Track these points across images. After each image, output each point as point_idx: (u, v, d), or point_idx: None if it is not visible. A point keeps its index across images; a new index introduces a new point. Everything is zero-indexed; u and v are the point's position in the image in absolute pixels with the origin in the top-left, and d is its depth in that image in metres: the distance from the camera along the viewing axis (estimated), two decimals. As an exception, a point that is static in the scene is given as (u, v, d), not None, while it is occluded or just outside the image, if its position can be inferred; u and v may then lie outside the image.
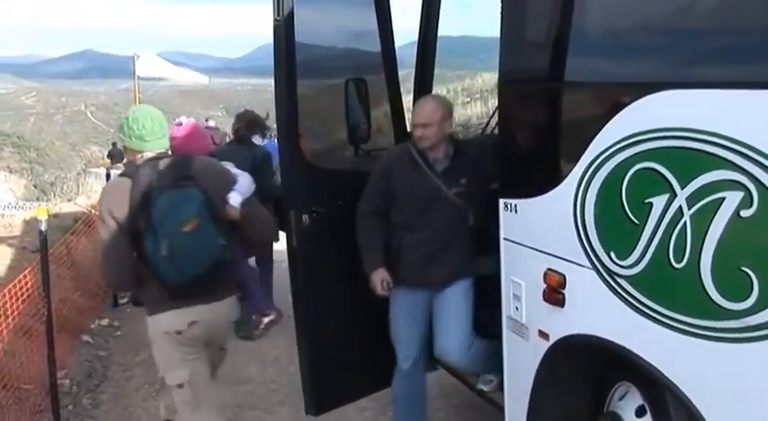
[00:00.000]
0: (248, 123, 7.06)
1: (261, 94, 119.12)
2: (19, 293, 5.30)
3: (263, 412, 5.55)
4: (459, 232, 4.32)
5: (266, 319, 4.32)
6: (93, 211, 10.31)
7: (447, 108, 4.30)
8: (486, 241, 4.18)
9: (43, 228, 5.05)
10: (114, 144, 31.23)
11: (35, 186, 52.17)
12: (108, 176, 9.14)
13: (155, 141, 3.79)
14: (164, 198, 3.53)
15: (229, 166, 4.07)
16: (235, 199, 3.76)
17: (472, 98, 18.91)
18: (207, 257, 3.58)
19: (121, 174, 3.81)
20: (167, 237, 3.49)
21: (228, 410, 5.54)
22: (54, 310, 5.21)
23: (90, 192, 16.59)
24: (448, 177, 4.25)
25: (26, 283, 5.39)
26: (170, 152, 3.87)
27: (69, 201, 14.23)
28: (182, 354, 3.79)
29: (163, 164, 3.71)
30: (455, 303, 4.39)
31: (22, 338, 5.70)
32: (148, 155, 3.77)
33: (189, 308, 3.71)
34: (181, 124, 5.03)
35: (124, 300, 8.50)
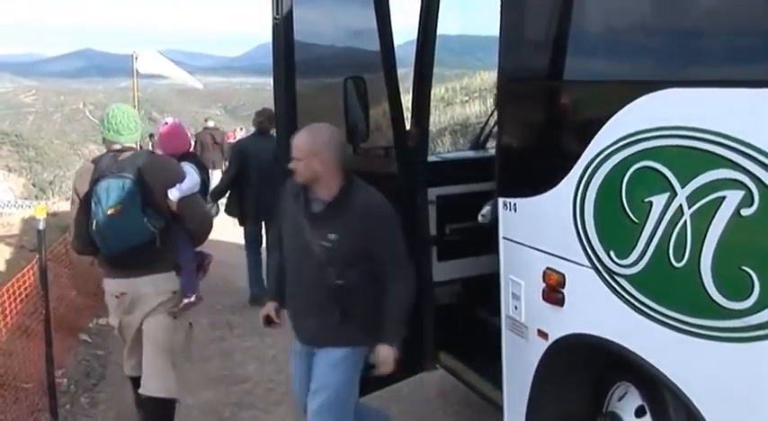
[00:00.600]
0: (268, 117, 7.87)
1: (259, 92, 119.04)
2: (17, 292, 5.29)
3: (260, 412, 5.54)
4: (323, 292, 3.69)
5: (185, 301, 4.53)
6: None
7: (321, 142, 3.63)
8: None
9: (41, 226, 5.03)
10: (113, 143, 31.19)
11: (34, 185, 52.22)
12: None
13: (128, 135, 4.50)
14: (102, 183, 4.25)
15: (188, 168, 4.63)
16: (173, 194, 4.35)
17: (471, 97, 18.89)
18: (131, 238, 4.26)
19: (91, 161, 4.60)
20: (95, 216, 4.26)
21: (226, 409, 5.55)
22: (52, 309, 5.19)
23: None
24: (317, 224, 3.68)
25: (25, 282, 5.38)
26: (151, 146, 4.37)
27: (68, 199, 14.19)
28: (116, 310, 4.63)
29: (121, 156, 4.39)
30: (319, 372, 3.83)
31: (20, 337, 5.69)
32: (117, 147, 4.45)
33: (120, 279, 4.47)
34: (167, 123, 5.51)
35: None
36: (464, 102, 18.64)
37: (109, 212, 4.21)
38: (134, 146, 4.58)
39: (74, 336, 6.90)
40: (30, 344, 5.71)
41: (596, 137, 3.09)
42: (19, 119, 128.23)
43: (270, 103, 8.51)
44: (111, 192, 4.21)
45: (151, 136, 23.76)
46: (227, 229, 8.53)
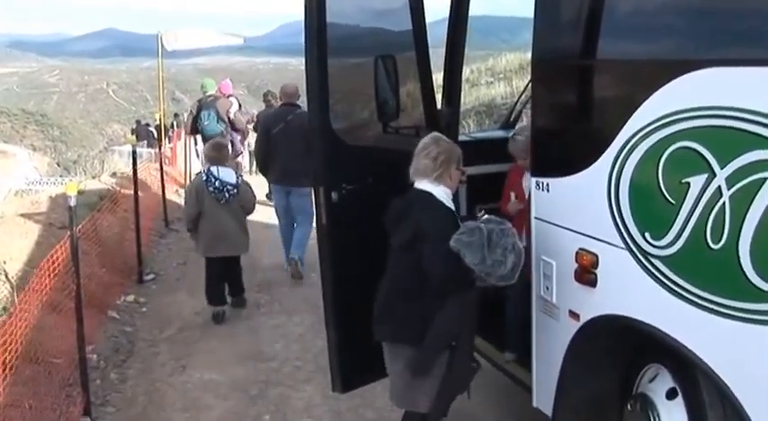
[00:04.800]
0: (273, 95, 10.25)
1: (282, 72, 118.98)
2: (49, 269, 5.33)
3: (288, 389, 5.58)
4: None
5: None
6: (118, 189, 10.37)
7: None
8: None
9: (72, 203, 5.05)
10: (138, 122, 31.31)
11: (58, 164, 52.55)
12: (134, 154, 9.11)
13: None
14: None
15: None
16: None
17: (496, 78, 18.78)
18: None
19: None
20: None
21: (254, 387, 5.59)
22: (82, 286, 5.24)
23: (113, 169, 16.67)
24: None
25: (56, 260, 5.42)
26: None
27: (94, 177, 14.29)
28: None
29: None
30: None
31: (51, 313, 5.75)
32: None
33: None
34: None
35: (149, 277, 8.57)
36: (489, 83, 18.53)
37: None
38: None
39: (103, 313, 6.96)
40: (60, 321, 5.77)
41: (633, 116, 3.06)
42: (44, 98, 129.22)
43: (293, 83, 8.88)
44: None
45: (176, 115, 23.84)
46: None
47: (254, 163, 11.26)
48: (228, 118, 11.19)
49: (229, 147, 8.93)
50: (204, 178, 6.90)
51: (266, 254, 9.25)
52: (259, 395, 5.47)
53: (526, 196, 4.39)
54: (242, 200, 7.03)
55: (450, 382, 3.82)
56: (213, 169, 6.91)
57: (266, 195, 11.59)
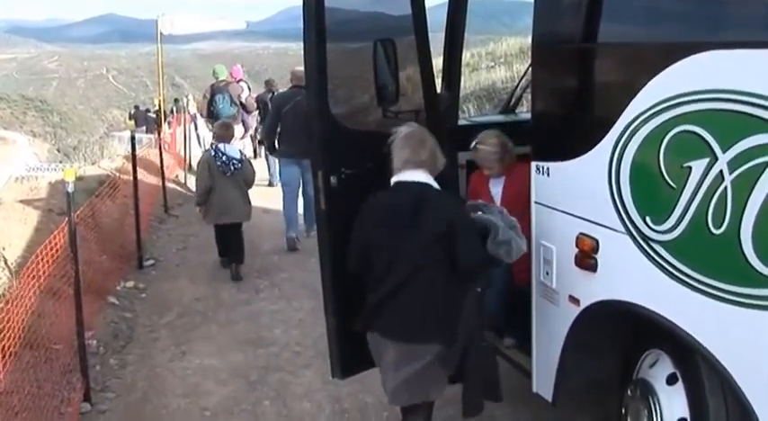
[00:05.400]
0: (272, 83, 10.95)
1: (282, 57, 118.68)
2: (47, 255, 5.32)
3: (288, 374, 5.57)
4: None
5: None
6: (117, 175, 10.34)
7: None
8: None
9: (70, 189, 5.04)
10: (137, 107, 31.25)
11: (58, 150, 52.42)
12: (133, 139, 9.10)
13: None
14: None
15: None
16: None
17: (497, 62, 18.68)
18: None
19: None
20: None
21: (254, 372, 5.59)
22: (80, 272, 5.22)
23: (113, 155, 16.62)
24: None
25: (54, 245, 5.41)
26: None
27: (93, 163, 14.26)
28: None
29: None
30: None
31: (50, 300, 5.74)
32: None
33: None
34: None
35: (149, 263, 8.56)
36: (490, 67, 18.44)
37: None
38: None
39: (102, 299, 6.95)
40: (59, 307, 5.76)
41: (634, 100, 3.04)
42: (43, 84, 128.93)
43: (293, 67, 9.18)
44: None
45: (176, 101, 23.76)
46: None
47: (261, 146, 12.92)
48: (240, 101, 12.26)
49: (241, 126, 10.71)
50: (213, 154, 7.78)
51: (266, 239, 9.25)
52: (259, 380, 5.47)
53: (498, 203, 4.40)
54: (244, 173, 7.89)
55: (476, 368, 3.74)
56: (220, 146, 7.79)
57: (268, 183, 12.34)
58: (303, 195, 8.97)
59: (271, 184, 12.21)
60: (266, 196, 9.62)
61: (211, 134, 10.05)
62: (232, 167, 7.69)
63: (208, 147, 9.38)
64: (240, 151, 8.19)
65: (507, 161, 4.62)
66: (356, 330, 3.87)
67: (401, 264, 3.62)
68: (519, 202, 4.11)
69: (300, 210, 9.09)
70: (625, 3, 3.40)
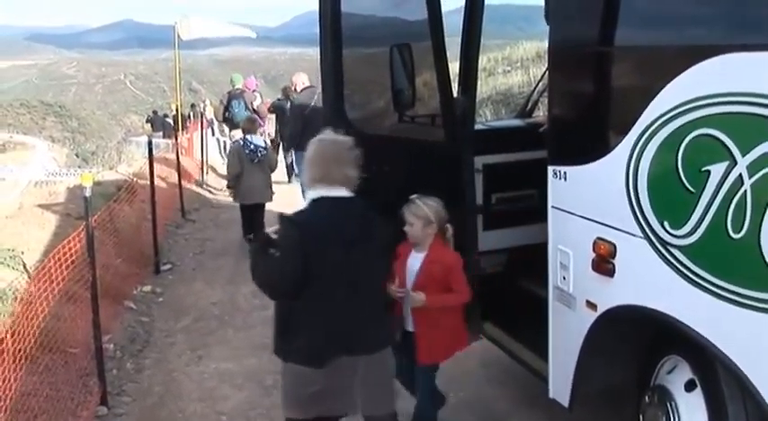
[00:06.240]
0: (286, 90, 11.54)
1: (298, 62, 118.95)
2: (64, 259, 5.35)
3: (303, 379, 5.56)
4: None
5: None
6: (135, 179, 10.39)
7: None
8: None
9: (88, 194, 5.07)
10: (155, 112, 31.40)
11: (77, 155, 52.75)
12: (150, 144, 9.18)
13: None
14: None
15: None
16: None
17: (513, 67, 18.66)
18: None
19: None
20: None
21: (269, 377, 5.58)
22: (98, 276, 5.25)
23: (131, 160, 16.71)
24: None
25: (71, 249, 5.43)
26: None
27: (111, 168, 14.35)
28: None
29: None
30: None
31: (67, 303, 5.77)
32: None
33: None
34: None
35: (166, 267, 8.59)
36: (506, 72, 18.42)
37: None
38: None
39: (119, 303, 6.98)
40: (77, 310, 5.80)
41: (651, 104, 3.01)
42: (62, 90, 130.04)
43: (308, 73, 9.76)
44: None
45: (192, 106, 23.87)
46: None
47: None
48: (253, 108, 13.54)
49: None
50: (242, 143, 9.28)
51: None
52: (274, 385, 5.45)
53: (408, 283, 4.20)
54: (269, 159, 9.46)
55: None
56: (248, 137, 9.31)
57: (288, 180, 13.35)
58: None
59: (289, 181, 13.25)
60: (285, 197, 9.66)
61: (229, 138, 12.70)
62: (259, 154, 9.14)
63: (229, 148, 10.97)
64: (265, 141, 9.85)
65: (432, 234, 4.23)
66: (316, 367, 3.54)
67: (360, 279, 3.56)
68: (435, 284, 4.16)
69: None
70: (642, 6, 3.37)
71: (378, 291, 3.76)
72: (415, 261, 4.22)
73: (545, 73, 4.88)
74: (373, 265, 3.63)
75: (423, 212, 4.12)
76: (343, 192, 3.56)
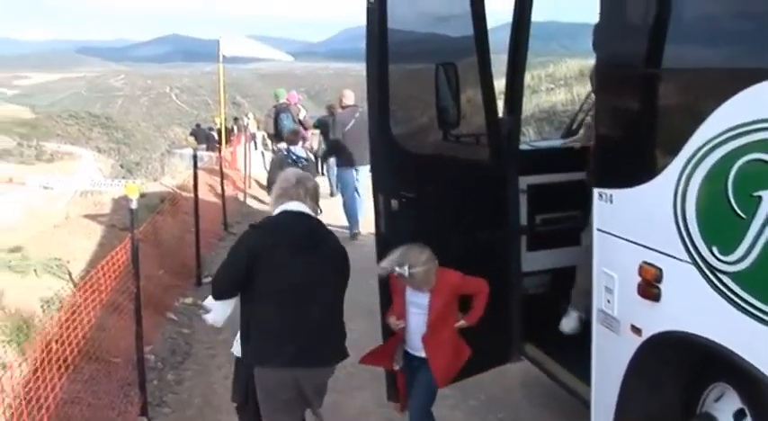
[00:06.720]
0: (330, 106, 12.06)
1: (342, 77, 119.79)
2: (110, 270, 5.42)
3: (341, 395, 5.55)
4: None
5: None
6: (178, 192, 10.52)
7: None
8: None
9: (134, 206, 5.13)
10: (198, 125, 31.78)
11: (121, 166, 53.62)
12: (195, 157, 9.34)
13: None
14: None
15: None
16: None
17: (556, 85, 18.56)
18: None
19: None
20: None
21: (308, 392, 5.58)
22: (141, 287, 5.31)
23: (174, 172, 16.92)
24: None
25: (117, 261, 5.51)
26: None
27: (155, 180, 14.55)
28: None
29: None
30: None
31: (111, 313, 5.84)
32: None
33: None
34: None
35: (208, 280, 8.65)
36: (549, 89, 18.33)
37: None
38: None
39: (161, 315, 7.05)
40: (120, 321, 5.86)
41: (701, 127, 2.97)
42: (108, 102, 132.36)
43: (352, 88, 10.33)
44: None
45: (236, 119, 24.14)
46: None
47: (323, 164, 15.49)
48: (299, 120, 14.15)
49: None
50: (285, 154, 10.08)
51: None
52: (312, 400, 5.46)
53: (412, 313, 4.25)
54: (310, 170, 9.94)
55: None
56: (292, 147, 10.17)
57: (330, 194, 13.80)
58: (357, 193, 11.06)
59: (332, 195, 13.64)
60: (326, 210, 9.77)
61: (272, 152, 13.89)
62: (300, 165, 9.63)
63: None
64: (307, 152, 10.58)
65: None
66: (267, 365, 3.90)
67: (304, 287, 3.86)
68: (447, 312, 4.17)
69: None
70: (692, 27, 3.33)
71: (327, 306, 3.96)
72: (418, 298, 4.21)
73: (590, 93, 4.84)
74: (321, 277, 3.89)
75: (426, 254, 4.06)
76: (300, 207, 3.94)
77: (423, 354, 4.25)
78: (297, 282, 3.80)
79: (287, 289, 3.81)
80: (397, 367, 4.46)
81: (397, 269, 4.04)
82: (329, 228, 4.12)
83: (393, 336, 4.35)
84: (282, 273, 3.80)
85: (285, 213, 3.92)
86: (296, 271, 3.81)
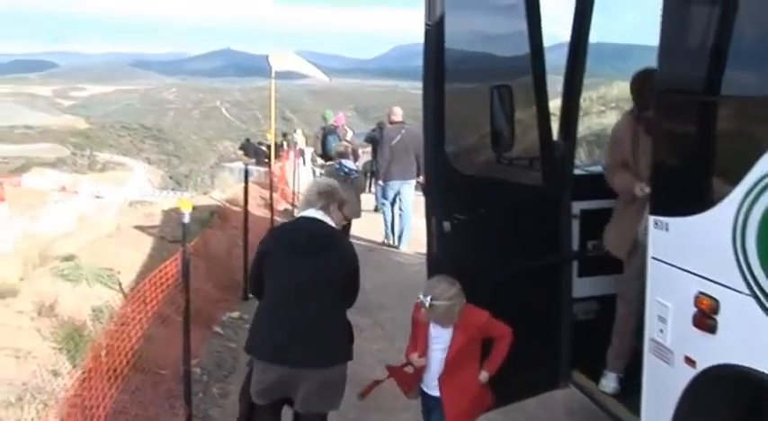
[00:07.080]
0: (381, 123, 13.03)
1: (390, 95, 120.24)
2: (160, 282, 5.48)
3: (385, 415, 5.54)
4: None
5: None
6: (228, 205, 10.63)
7: None
8: None
9: (186, 220, 5.18)
10: (248, 139, 32.10)
11: (171, 177, 54.51)
12: (246, 172, 9.47)
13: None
14: None
15: None
16: None
17: (607, 107, 18.41)
18: None
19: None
20: None
21: (352, 411, 5.57)
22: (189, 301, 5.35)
23: (224, 185, 17.11)
24: None
25: (167, 273, 5.56)
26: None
27: (205, 193, 14.73)
28: None
29: None
30: None
31: (159, 326, 5.90)
32: None
33: None
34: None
35: (254, 294, 8.72)
36: (601, 112, 18.18)
37: None
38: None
39: (208, 328, 7.11)
40: (167, 333, 5.91)
41: (765, 156, 2.90)
42: (160, 114, 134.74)
43: (401, 106, 10.84)
44: None
45: (284, 135, 24.35)
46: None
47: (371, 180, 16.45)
48: (347, 141, 14.30)
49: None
50: (337, 166, 10.23)
51: (369, 277, 9.25)
52: (356, 418, 5.45)
53: (433, 350, 4.19)
54: (359, 180, 10.61)
55: None
56: (342, 160, 10.32)
57: (374, 209, 14.47)
58: (400, 209, 11.80)
59: (377, 210, 14.05)
60: (371, 226, 9.92)
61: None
62: (350, 176, 10.09)
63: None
64: (356, 164, 10.96)
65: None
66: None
67: (301, 288, 4.12)
68: (468, 354, 4.09)
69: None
70: (755, 53, 3.27)
71: (320, 309, 4.11)
72: (441, 333, 4.13)
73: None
74: (317, 281, 4.11)
75: (454, 290, 3.98)
76: (313, 214, 4.24)
77: (438, 394, 4.19)
78: (289, 283, 4.11)
79: (279, 289, 4.14)
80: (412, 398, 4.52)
81: (420, 297, 4.01)
82: (354, 238, 4.23)
83: (417, 371, 4.29)
84: (278, 273, 4.13)
85: (298, 219, 4.34)
86: (290, 273, 4.10)
